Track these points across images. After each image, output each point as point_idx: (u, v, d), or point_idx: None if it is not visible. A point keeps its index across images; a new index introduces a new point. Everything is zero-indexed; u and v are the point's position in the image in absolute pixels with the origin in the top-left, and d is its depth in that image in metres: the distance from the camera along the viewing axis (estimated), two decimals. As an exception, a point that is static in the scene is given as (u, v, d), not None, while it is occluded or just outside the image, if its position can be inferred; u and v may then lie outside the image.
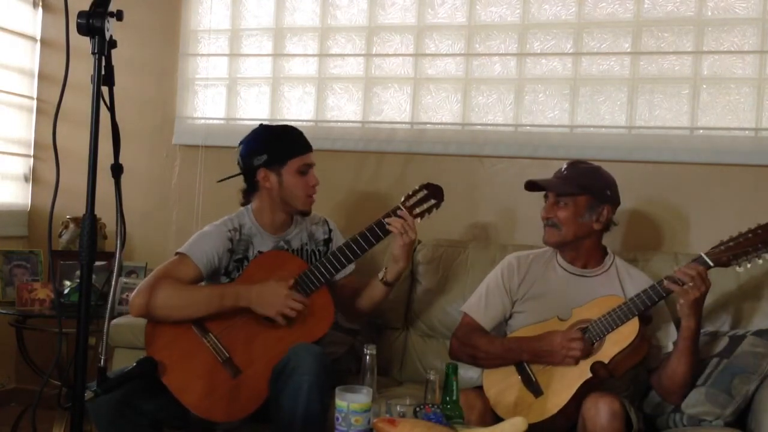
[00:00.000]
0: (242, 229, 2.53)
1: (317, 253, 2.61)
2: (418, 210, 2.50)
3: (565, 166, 2.45)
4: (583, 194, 2.38)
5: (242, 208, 2.60)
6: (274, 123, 2.75)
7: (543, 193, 2.47)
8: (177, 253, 2.46)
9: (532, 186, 2.46)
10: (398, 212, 2.46)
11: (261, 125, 2.62)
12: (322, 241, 2.65)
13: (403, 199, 2.51)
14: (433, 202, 2.52)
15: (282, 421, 2.19)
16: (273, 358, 2.27)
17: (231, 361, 2.34)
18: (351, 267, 2.58)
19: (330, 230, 2.68)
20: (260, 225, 2.55)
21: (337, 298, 2.52)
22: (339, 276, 2.54)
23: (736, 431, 2.23)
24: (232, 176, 2.61)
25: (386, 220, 2.45)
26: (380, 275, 2.54)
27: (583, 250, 2.44)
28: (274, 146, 2.51)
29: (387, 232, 2.46)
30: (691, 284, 2.14)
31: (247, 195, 2.60)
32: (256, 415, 2.31)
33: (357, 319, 2.75)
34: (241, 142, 2.59)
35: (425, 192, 2.52)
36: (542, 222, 2.44)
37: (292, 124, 3.43)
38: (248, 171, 2.54)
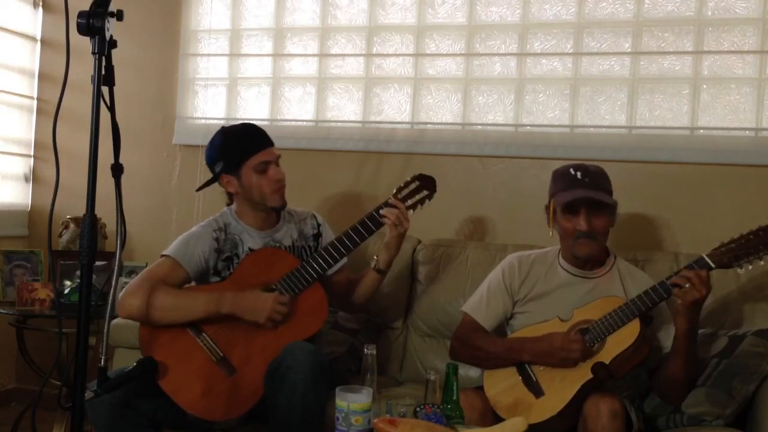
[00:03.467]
0: (228, 228, 2.53)
1: (308, 249, 2.61)
2: (410, 201, 2.51)
3: (578, 173, 2.34)
4: (614, 202, 2.36)
5: (226, 208, 2.60)
6: (244, 122, 2.68)
7: (546, 204, 2.43)
8: (163, 256, 2.46)
9: (579, 203, 2.31)
10: (390, 201, 2.47)
11: (220, 129, 2.58)
12: (312, 236, 2.65)
13: (395, 190, 2.52)
14: (425, 193, 2.53)
15: (279, 421, 2.19)
16: (268, 356, 2.27)
17: (226, 360, 2.34)
18: (343, 260, 2.59)
19: (318, 224, 2.68)
20: (245, 224, 2.55)
21: (332, 292, 2.52)
22: (332, 271, 2.54)
23: (736, 431, 2.24)
24: (207, 184, 2.62)
25: (381, 211, 2.46)
26: (372, 264, 2.57)
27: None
28: (227, 151, 2.50)
29: (379, 225, 2.47)
30: (688, 285, 2.14)
31: (230, 195, 2.61)
32: (254, 414, 2.31)
33: (352, 311, 2.77)
34: (205, 147, 2.58)
35: (417, 183, 2.53)
36: (573, 235, 2.33)
37: (292, 124, 3.48)
38: (214, 178, 2.56)
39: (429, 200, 2.54)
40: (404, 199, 2.50)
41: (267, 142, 2.53)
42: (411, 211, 2.52)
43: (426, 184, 2.53)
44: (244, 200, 2.53)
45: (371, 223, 2.46)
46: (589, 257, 2.38)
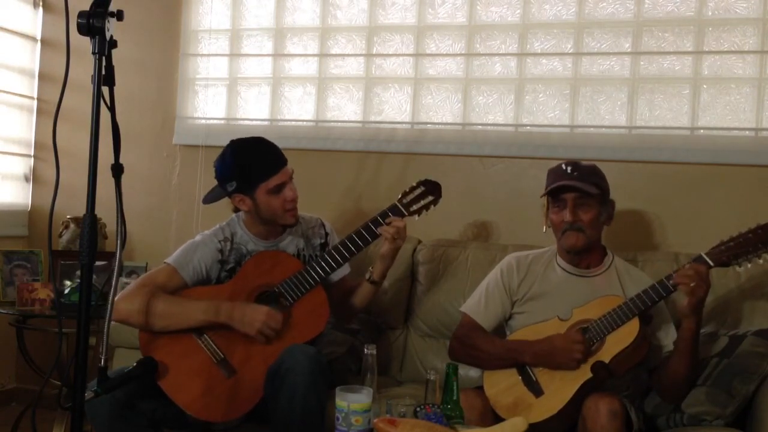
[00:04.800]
0: (234, 238, 2.52)
1: (314, 257, 2.59)
2: (415, 207, 2.49)
3: (568, 168, 2.39)
4: (599, 193, 2.37)
5: (234, 216, 2.59)
6: (252, 134, 2.57)
7: (544, 198, 2.43)
8: (165, 263, 2.46)
9: (561, 190, 2.36)
10: (388, 219, 2.44)
11: (230, 144, 2.50)
12: (319, 246, 2.64)
13: (400, 195, 2.51)
14: (430, 198, 2.51)
15: (280, 423, 2.19)
16: (268, 358, 2.28)
17: (226, 362, 2.34)
18: (346, 269, 2.58)
19: (326, 234, 2.67)
20: (252, 233, 2.54)
21: (332, 300, 2.52)
22: (336, 277, 2.54)
23: (736, 431, 2.24)
24: (216, 199, 2.56)
25: (379, 230, 2.44)
26: (366, 275, 2.55)
27: (592, 250, 2.44)
28: (241, 173, 2.43)
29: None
30: (693, 284, 2.14)
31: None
32: (253, 415, 2.31)
33: (347, 320, 2.76)
34: (215, 162, 2.53)
35: (423, 189, 2.51)
36: (561, 228, 2.37)
37: (292, 124, 3.48)
38: (225, 195, 2.51)
39: (434, 206, 2.52)
40: (409, 204, 2.49)
41: (282, 161, 2.47)
42: (416, 216, 2.50)
43: (431, 189, 2.52)
44: (255, 215, 2.51)
45: (375, 227, 2.45)
46: (575, 249, 2.38)
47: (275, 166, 2.45)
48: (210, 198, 2.58)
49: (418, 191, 2.51)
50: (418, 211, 2.50)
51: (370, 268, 2.56)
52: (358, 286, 2.61)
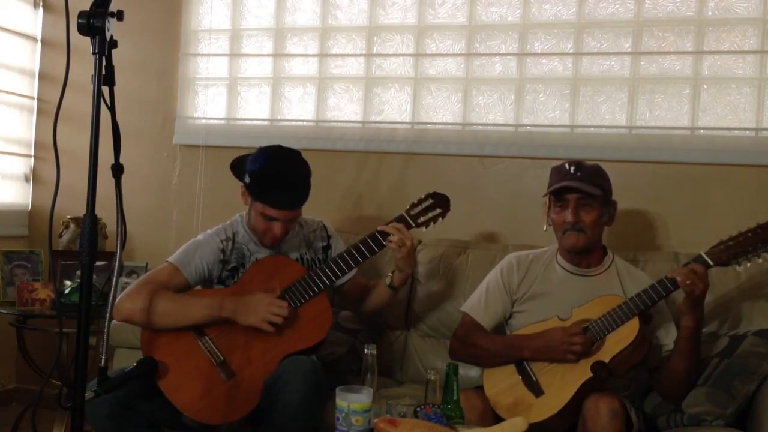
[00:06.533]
0: (236, 237, 2.53)
1: (317, 261, 2.60)
2: (422, 219, 2.50)
3: (572, 168, 2.38)
4: (602, 194, 2.37)
5: (237, 216, 2.60)
6: (280, 145, 2.55)
7: (546, 197, 2.44)
8: (167, 262, 2.46)
9: (563, 191, 2.36)
10: (389, 225, 2.44)
11: (271, 150, 2.48)
12: (321, 248, 2.64)
13: (408, 207, 2.51)
14: (438, 211, 2.51)
15: None
16: (268, 363, 2.28)
17: (225, 364, 2.33)
18: (353, 270, 2.58)
19: (329, 237, 2.67)
20: (254, 234, 2.54)
21: (347, 298, 2.51)
22: (342, 281, 2.55)
23: (736, 431, 2.24)
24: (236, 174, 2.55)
25: (386, 242, 2.43)
26: (387, 280, 2.55)
27: (592, 250, 2.44)
28: (254, 182, 2.43)
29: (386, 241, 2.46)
30: (688, 282, 2.14)
31: None
32: (252, 417, 2.30)
33: (364, 317, 2.77)
34: (258, 148, 2.51)
35: (431, 201, 2.51)
36: (562, 228, 2.38)
37: (293, 124, 3.48)
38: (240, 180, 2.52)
39: (442, 219, 2.52)
40: (417, 216, 2.49)
41: (288, 205, 2.43)
42: (423, 228, 2.50)
43: (440, 202, 2.51)
44: None
45: (381, 237, 2.44)
46: (576, 249, 2.39)
47: (278, 203, 2.41)
48: (234, 165, 2.54)
49: (426, 203, 2.51)
50: (426, 223, 2.50)
51: (391, 273, 2.55)
52: (373, 287, 2.62)
